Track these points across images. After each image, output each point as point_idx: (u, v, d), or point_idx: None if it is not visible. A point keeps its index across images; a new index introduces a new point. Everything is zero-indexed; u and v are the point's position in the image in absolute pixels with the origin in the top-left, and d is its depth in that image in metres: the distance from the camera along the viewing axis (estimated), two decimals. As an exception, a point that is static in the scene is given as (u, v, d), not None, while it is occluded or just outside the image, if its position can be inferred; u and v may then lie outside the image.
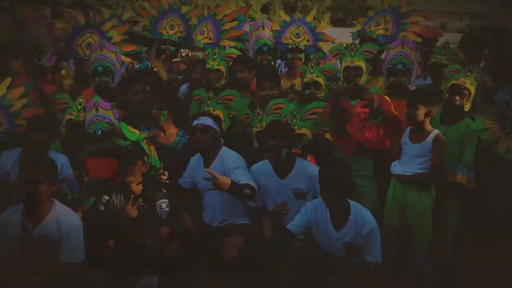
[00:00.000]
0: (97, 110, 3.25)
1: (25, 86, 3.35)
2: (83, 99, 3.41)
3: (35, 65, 4.15)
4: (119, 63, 3.86)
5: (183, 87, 4.29)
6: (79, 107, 3.38)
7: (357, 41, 4.38)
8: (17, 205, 2.64)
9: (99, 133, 3.23)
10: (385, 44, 4.04)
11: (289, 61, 4.30)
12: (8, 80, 3.32)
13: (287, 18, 4.49)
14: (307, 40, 4.31)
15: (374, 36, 4.27)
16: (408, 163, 3.00)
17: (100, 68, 3.76)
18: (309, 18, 4.46)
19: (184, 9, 4.74)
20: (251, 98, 3.76)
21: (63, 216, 2.59)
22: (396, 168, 3.06)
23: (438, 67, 3.79)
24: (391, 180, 3.13)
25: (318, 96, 3.58)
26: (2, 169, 3.00)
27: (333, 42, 4.43)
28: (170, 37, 4.57)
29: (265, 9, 31.21)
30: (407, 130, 3.07)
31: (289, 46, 4.26)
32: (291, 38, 4.28)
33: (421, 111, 2.89)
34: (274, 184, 3.15)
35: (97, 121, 3.24)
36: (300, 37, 4.29)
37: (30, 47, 4.00)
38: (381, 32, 4.32)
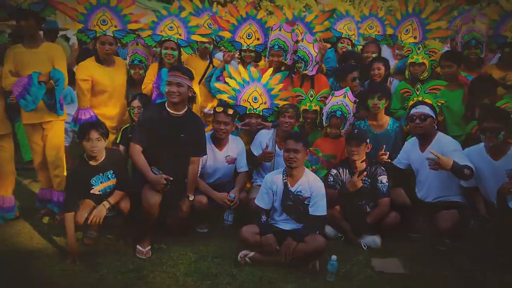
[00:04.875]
0: (344, 97, 4.03)
1: (281, 75, 4.34)
2: (313, 92, 4.24)
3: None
4: (315, 52, 4.39)
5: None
6: (311, 99, 4.21)
7: None
8: (279, 168, 3.56)
9: (338, 114, 3.99)
10: None
11: (505, 54, 4.24)
12: (270, 70, 4.35)
13: (509, 8, 4.29)
14: None
15: None
16: None
17: (296, 57, 4.45)
18: None
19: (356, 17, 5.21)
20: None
21: (312, 180, 3.40)
22: None
23: None
24: None
25: None
26: (263, 142, 3.98)
27: None
28: (349, 37, 5.02)
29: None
30: None
31: (508, 40, 4.18)
32: (511, 31, 4.19)
33: None
34: (486, 165, 3.37)
35: (340, 104, 4.00)
36: None
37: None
38: None
